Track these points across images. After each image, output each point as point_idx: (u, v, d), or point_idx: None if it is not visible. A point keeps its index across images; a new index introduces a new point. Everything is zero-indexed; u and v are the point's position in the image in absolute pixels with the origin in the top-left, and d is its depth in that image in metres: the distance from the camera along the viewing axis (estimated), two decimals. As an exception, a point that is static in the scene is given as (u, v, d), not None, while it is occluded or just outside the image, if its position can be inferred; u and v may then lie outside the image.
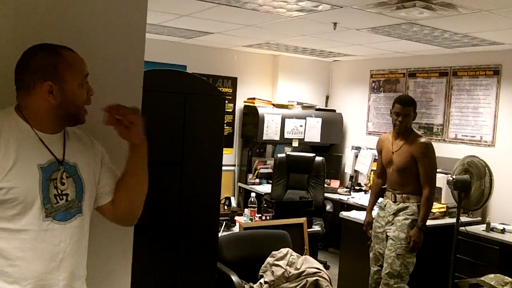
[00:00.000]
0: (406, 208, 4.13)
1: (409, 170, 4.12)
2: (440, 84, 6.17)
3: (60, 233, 1.69)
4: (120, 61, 2.11)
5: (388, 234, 4.16)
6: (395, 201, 4.20)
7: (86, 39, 1.99)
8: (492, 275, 2.45)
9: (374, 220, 4.38)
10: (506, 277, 2.46)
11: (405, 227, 4.08)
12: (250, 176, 7.03)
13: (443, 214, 5.33)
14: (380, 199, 4.52)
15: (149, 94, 2.33)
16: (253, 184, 6.92)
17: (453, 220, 5.16)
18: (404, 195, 4.16)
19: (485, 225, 4.91)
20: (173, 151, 3.21)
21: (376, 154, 6.59)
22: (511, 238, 4.66)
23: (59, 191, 1.69)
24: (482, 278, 2.45)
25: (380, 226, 4.27)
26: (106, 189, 1.87)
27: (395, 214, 4.17)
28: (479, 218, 5.44)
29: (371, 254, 4.36)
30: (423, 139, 4.18)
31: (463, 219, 5.04)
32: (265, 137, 6.81)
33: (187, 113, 3.25)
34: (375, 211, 4.51)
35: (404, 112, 4.12)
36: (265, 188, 6.71)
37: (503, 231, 4.79)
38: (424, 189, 4.08)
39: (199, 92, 3.35)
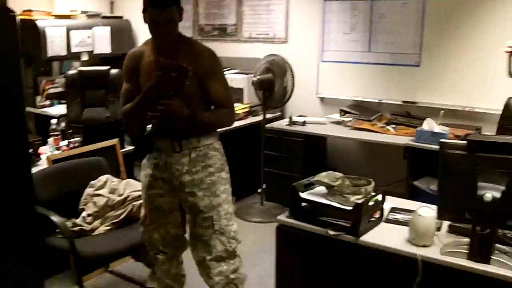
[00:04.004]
0: (204, 158, 2.71)
1: (193, 99, 2.66)
2: (229, -17, 6.11)
3: None
4: None
5: (189, 205, 2.75)
6: (180, 151, 2.70)
7: None
8: (324, 173, 2.57)
9: (144, 188, 2.86)
10: (337, 173, 2.61)
11: (215, 188, 2.73)
12: (38, 98, 6.35)
13: (247, 114, 5.49)
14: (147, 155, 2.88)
15: None
16: (43, 107, 6.28)
17: (257, 119, 5.39)
18: (194, 139, 2.69)
19: (287, 120, 5.18)
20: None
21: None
22: (311, 129, 5.02)
23: None
24: (316, 178, 2.56)
25: (160, 194, 2.81)
26: None
27: (189, 172, 2.70)
28: (279, 113, 5.74)
29: (145, 236, 2.95)
30: (204, 47, 2.71)
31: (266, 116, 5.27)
32: (50, 54, 6.12)
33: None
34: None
35: (167, 17, 2.52)
36: (58, 109, 6.14)
37: (304, 123, 5.11)
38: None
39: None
